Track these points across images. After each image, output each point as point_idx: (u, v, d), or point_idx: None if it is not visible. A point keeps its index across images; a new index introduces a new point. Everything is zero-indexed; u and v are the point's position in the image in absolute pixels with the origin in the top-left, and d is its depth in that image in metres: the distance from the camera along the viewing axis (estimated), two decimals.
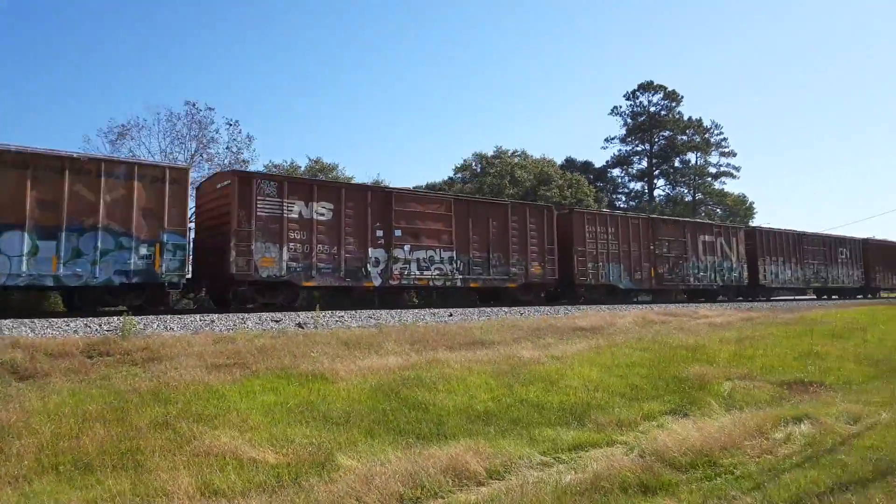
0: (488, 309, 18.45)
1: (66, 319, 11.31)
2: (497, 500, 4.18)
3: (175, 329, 11.07)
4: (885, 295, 40.91)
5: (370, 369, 8.12)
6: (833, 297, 35.84)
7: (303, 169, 35.03)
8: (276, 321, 12.77)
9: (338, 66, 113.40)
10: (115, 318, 11.13)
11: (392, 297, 19.69)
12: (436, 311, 17.07)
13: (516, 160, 46.11)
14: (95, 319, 11.43)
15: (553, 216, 21.72)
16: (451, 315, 15.77)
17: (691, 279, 26.49)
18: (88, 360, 8.19)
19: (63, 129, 72.37)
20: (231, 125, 30.63)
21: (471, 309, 18.32)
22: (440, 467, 4.76)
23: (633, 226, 24.45)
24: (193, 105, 28.88)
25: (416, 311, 16.95)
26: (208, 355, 8.58)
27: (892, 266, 39.83)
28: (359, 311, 16.36)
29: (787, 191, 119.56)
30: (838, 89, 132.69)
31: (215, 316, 13.13)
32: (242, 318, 12.76)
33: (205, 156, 28.40)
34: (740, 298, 29.44)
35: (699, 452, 5.24)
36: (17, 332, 9.71)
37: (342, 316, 14.43)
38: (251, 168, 28.78)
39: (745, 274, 29.08)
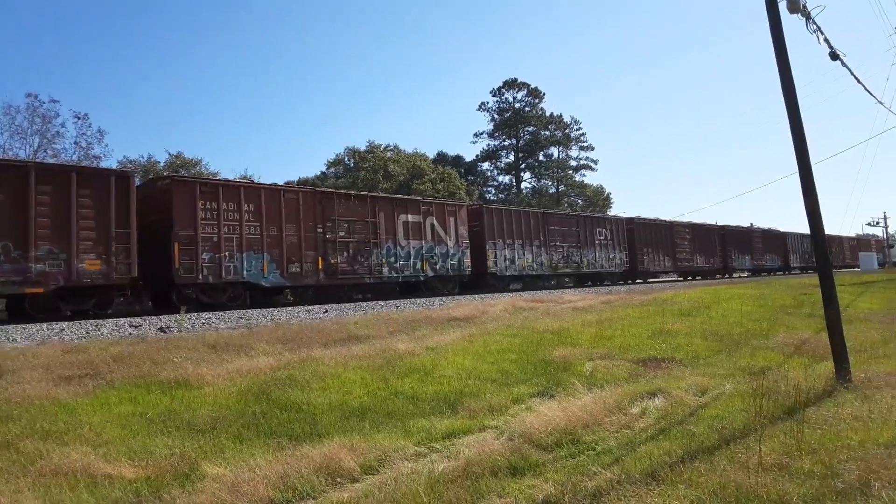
0: (365, 303, 18.37)
1: None
2: (371, 495, 4.17)
3: (19, 340, 10.07)
4: (653, 281, 37.13)
5: (239, 372, 7.81)
6: (587, 283, 31.24)
7: (162, 164, 33.04)
8: (135, 326, 11.97)
9: (202, 58, 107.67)
10: None
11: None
12: (310, 307, 16.74)
13: (389, 155, 46.17)
14: None
15: (130, 187, 15.30)
16: (326, 311, 15.53)
17: (385, 270, 21.07)
18: None
19: None
20: (79, 118, 28.28)
21: (347, 304, 18.14)
22: (313, 467, 4.68)
23: (288, 202, 18.59)
24: (35, 97, 26.35)
25: (290, 308, 16.54)
26: (57, 367, 7.88)
27: (664, 247, 35.86)
28: (228, 311, 15.70)
29: (641, 181, 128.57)
30: (683, 85, 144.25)
31: (65, 324, 12.09)
32: (96, 325, 11.84)
33: (49, 151, 26.03)
34: (456, 291, 23.80)
35: (564, 431, 5.51)
36: None
37: (209, 318, 13.78)
38: (103, 164, 26.68)
39: (467, 261, 24.16)
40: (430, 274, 22.61)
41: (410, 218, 22.22)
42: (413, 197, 25.49)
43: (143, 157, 33.18)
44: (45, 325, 11.75)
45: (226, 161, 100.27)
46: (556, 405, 6.45)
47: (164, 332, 11.31)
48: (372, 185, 40.72)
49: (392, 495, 4.06)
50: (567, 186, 63.36)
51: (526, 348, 9.44)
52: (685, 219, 40.77)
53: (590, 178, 65.59)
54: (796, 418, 5.09)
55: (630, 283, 32.36)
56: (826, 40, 9.86)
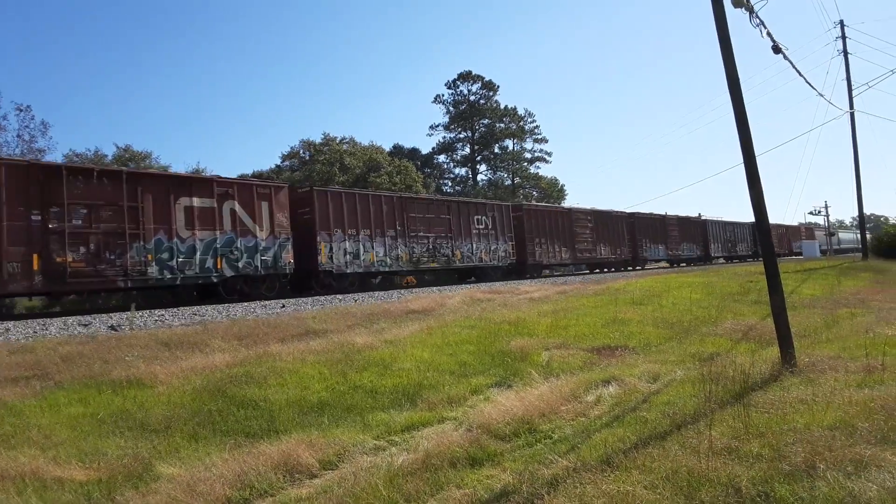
0: (323, 297, 18.21)
1: None
2: (329, 490, 4.16)
3: None
4: (551, 274, 33.92)
5: (194, 370, 7.67)
6: (470, 279, 27.56)
7: (110, 157, 32.07)
8: (85, 325, 11.63)
9: (151, 49, 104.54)
10: None
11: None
12: (266, 302, 16.52)
13: (345, 147, 45.80)
14: None
15: None
16: (283, 306, 15.35)
17: (153, 270, 16.11)
18: None
19: None
20: (22, 111, 27.16)
21: (304, 298, 17.93)
22: (271, 464, 4.64)
23: None
24: None
25: (246, 304, 16.29)
26: (2, 368, 7.62)
27: (560, 237, 32.23)
28: (182, 308, 15.37)
29: (592, 174, 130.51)
30: (638, 76, 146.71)
31: (10, 324, 11.66)
32: (44, 324, 11.46)
33: None
34: (273, 295, 19.06)
35: (521, 421, 5.59)
36: None
37: (163, 314, 13.48)
38: (48, 157, 25.66)
39: (287, 257, 19.36)
40: (230, 273, 17.82)
41: (197, 202, 17.20)
42: (201, 175, 20.36)
43: (90, 151, 32.15)
44: None
45: (178, 155, 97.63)
46: (513, 395, 6.53)
47: (116, 330, 11.02)
48: (328, 178, 40.31)
49: (351, 490, 4.06)
50: (522, 178, 63.94)
51: (484, 339, 9.52)
52: (637, 210, 39.63)
53: (544, 171, 66.40)
54: (744, 403, 5.26)
55: (533, 278, 28.64)
56: (769, 34, 10.16)
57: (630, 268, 37.68)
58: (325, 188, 22.94)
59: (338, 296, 18.75)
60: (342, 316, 12.50)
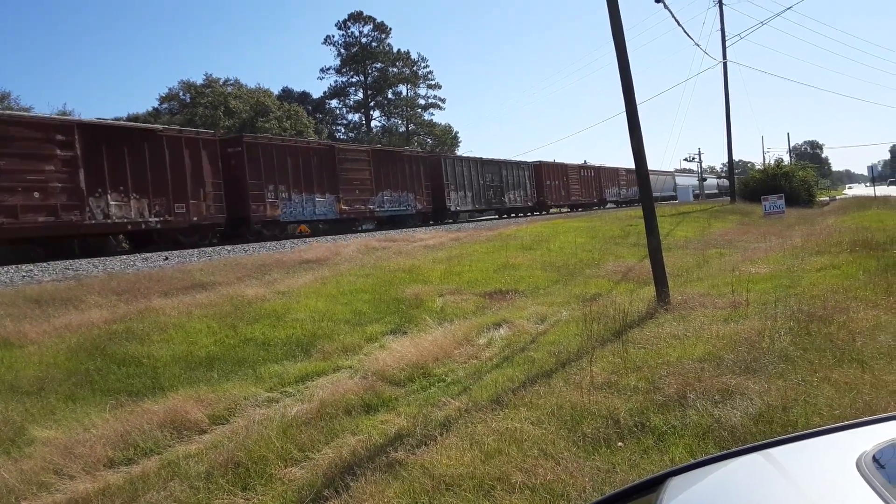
0: (210, 248, 17.45)
1: None
2: (220, 445, 4.08)
3: None
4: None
5: (68, 327, 7.20)
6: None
7: None
8: None
9: None
10: None
11: None
12: (148, 255, 15.63)
13: (229, 90, 43.45)
14: None
15: None
16: (166, 259, 14.59)
17: None
18: None
19: None
20: None
21: (190, 250, 17.12)
22: (156, 422, 4.49)
23: None
24: None
25: (126, 256, 15.34)
26: None
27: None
28: (53, 262, 14.26)
29: (486, 121, 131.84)
30: (531, 24, 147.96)
31: None
32: None
33: None
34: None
35: (416, 366, 5.70)
36: None
37: (31, 269, 12.45)
38: None
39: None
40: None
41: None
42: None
43: None
44: None
45: (41, 95, 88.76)
46: (408, 342, 6.63)
47: None
48: (212, 123, 38.21)
49: (243, 443, 4.00)
50: (417, 125, 63.44)
51: (379, 288, 9.53)
52: (540, 158, 38.71)
53: (438, 117, 66.06)
54: (623, 340, 5.61)
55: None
56: None
57: (536, 213, 38.57)
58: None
59: (226, 246, 18.05)
60: (231, 267, 12.07)
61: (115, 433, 4.27)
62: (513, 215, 37.00)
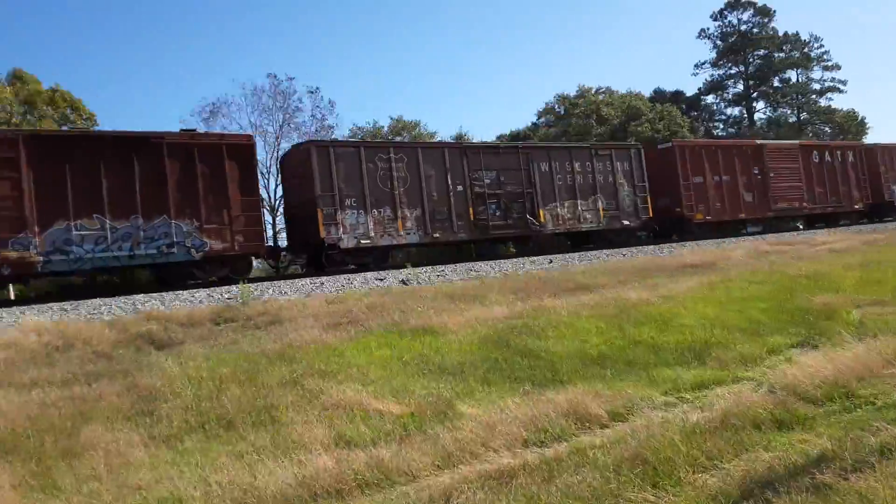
0: (589, 252, 18.13)
1: (191, 291, 12.09)
2: (623, 441, 4.15)
3: (289, 293, 11.59)
4: None
5: (477, 320, 8.20)
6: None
7: (386, 128, 35.33)
8: (380, 279, 13.12)
9: (408, 24, 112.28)
10: (234, 287, 11.80)
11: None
12: (535, 258, 16.95)
13: (601, 98, 44.47)
14: (217, 289, 12.17)
15: None
16: (550, 262, 15.63)
17: None
18: (216, 327, 8.74)
19: (159, 113, 76.14)
20: (312, 92, 31.06)
21: (571, 254, 18.04)
22: (560, 412, 4.78)
23: None
24: (275, 77, 29.57)
25: (515, 259, 16.90)
26: (323, 316, 8.94)
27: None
28: (457, 264, 16.50)
29: None
30: None
31: (324, 278, 13.64)
32: (349, 279, 13.19)
33: (292, 125, 29.09)
34: None
35: (834, 384, 4.97)
36: (150, 305, 10.49)
37: (443, 270, 14.61)
38: (336, 134, 29.27)
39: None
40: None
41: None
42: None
43: (369, 124, 35.84)
44: (308, 280, 13.39)
45: (440, 123, 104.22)
46: (820, 356, 5.84)
47: (406, 284, 12.25)
48: (584, 132, 39.64)
49: (647, 443, 3.99)
50: (810, 113, 55.73)
51: (777, 295, 8.65)
52: None
53: (838, 102, 56.95)
54: None
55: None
56: None
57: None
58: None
59: (605, 251, 18.48)
60: (611, 271, 12.33)
61: (526, 417, 4.69)
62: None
